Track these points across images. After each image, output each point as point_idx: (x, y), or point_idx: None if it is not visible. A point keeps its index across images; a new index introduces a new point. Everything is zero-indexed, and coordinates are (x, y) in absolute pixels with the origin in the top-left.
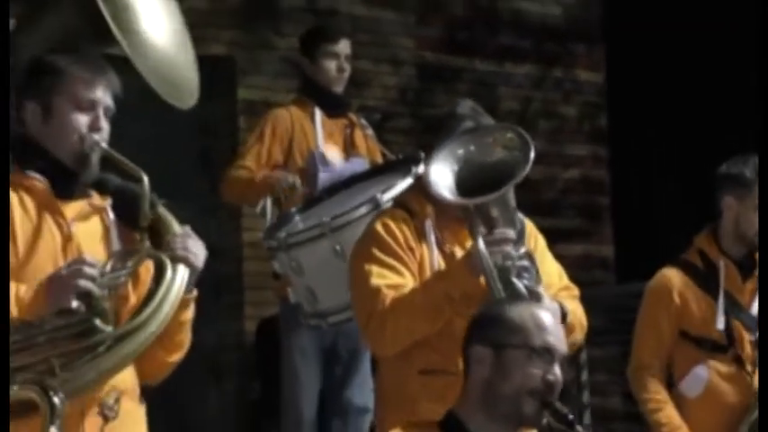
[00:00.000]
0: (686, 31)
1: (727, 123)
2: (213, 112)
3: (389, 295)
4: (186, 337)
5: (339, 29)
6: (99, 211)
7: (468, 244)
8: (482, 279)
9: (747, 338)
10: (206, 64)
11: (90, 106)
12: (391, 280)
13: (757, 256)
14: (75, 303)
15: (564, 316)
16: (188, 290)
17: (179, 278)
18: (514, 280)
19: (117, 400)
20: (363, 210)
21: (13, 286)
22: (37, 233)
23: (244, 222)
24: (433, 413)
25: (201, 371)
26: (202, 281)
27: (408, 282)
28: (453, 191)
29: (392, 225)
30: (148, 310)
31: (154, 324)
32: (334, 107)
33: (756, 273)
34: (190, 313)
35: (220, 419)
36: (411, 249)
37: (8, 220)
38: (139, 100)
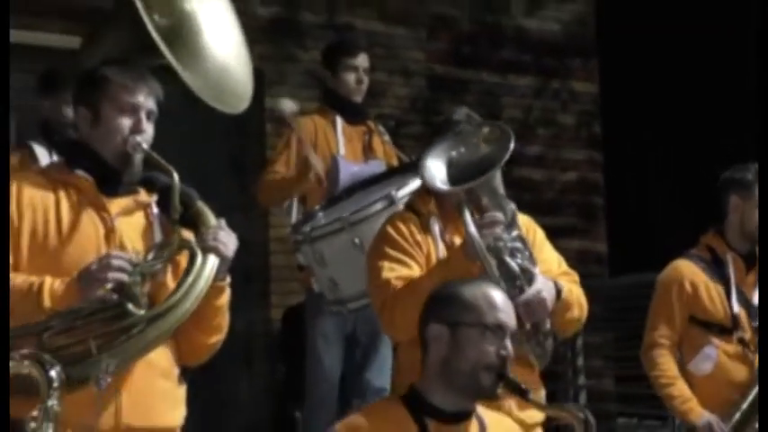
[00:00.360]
0: (674, 46)
1: (711, 131)
2: (243, 119)
3: (398, 285)
4: (224, 321)
5: (358, 44)
6: (143, 206)
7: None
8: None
9: (750, 324)
10: None
11: (132, 110)
12: (400, 272)
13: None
14: (102, 293)
15: (558, 293)
16: (220, 277)
17: (209, 266)
18: (507, 259)
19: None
20: (379, 206)
21: (48, 279)
22: (81, 226)
23: (271, 219)
24: None
25: (233, 355)
26: (233, 272)
27: (416, 273)
28: (446, 183)
29: (400, 224)
30: (178, 295)
31: (183, 307)
32: (353, 115)
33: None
34: (225, 298)
35: (250, 399)
36: (418, 244)
37: (8, 220)
38: (180, 107)
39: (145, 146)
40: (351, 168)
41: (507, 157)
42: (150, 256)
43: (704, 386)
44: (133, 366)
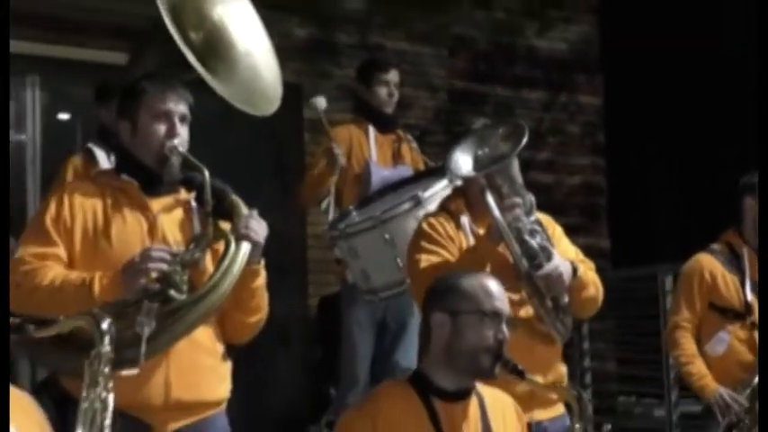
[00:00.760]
0: (671, 63)
1: (703, 141)
2: (284, 128)
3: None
4: (262, 301)
5: (389, 61)
6: (183, 203)
7: None
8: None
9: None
10: None
11: (165, 116)
12: (435, 261)
13: None
14: (145, 282)
15: (574, 271)
16: (255, 261)
17: (242, 252)
18: (527, 238)
19: None
20: (407, 206)
21: (98, 274)
22: (127, 224)
23: (308, 218)
24: None
25: (273, 339)
26: (274, 265)
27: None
28: (470, 171)
29: (435, 222)
30: (214, 280)
31: (219, 291)
32: (384, 125)
33: None
34: (260, 280)
35: (288, 378)
36: (451, 238)
37: (8, 219)
38: (226, 118)
39: (180, 149)
40: (382, 172)
41: (523, 144)
42: (191, 247)
43: (718, 366)
44: (180, 346)
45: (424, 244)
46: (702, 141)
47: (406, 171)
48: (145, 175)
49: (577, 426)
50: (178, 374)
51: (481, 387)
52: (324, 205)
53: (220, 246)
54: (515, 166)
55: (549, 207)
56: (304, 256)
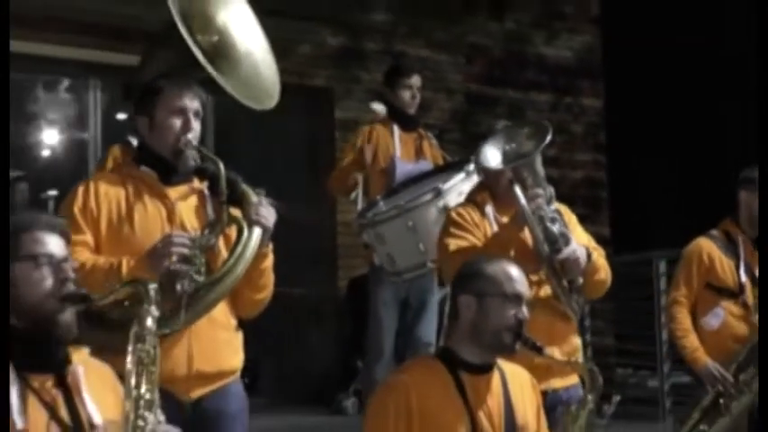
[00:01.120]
0: (665, 70)
1: (693, 139)
2: (317, 128)
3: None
4: (269, 281)
5: (412, 67)
6: (197, 191)
7: None
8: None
9: (753, 291)
10: (312, 93)
11: (180, 112)
12: (463, 244)
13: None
14: (177, 266)
15: (588, 257)
16: (265, 244)
17: (254, 237)
18: (548, 224)
19: None
20: (428, 196)
21: (125, 258)
22: (147, 212)
23: (338, 207)
24: None
25: (307, 317)
26: (307, 250)
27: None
28: (499, 164)
29: (462, 211)
30: (230, 262)
31: (235, 272)
32: (408, 124)
33: None
34: (268, 262)
35: (321, 351)
36: (477, 225)
37: (8, 218)
38: (266, 121)
39: (195, 142)
40: (405, 167)
41: (546, 142)
42: (206, 232)
43: (712, 339)
44: (199, 322)
45: (453, 230)
46: (694, 142)
47: (427, 165)
48: (162, 166)
49: (590, 396)
50: (199, 348)
51: (501, 362)
52: (353, 196)
53: (231, 231)
54: (539, 161)
55: (555, 199)
56: (334, 243)
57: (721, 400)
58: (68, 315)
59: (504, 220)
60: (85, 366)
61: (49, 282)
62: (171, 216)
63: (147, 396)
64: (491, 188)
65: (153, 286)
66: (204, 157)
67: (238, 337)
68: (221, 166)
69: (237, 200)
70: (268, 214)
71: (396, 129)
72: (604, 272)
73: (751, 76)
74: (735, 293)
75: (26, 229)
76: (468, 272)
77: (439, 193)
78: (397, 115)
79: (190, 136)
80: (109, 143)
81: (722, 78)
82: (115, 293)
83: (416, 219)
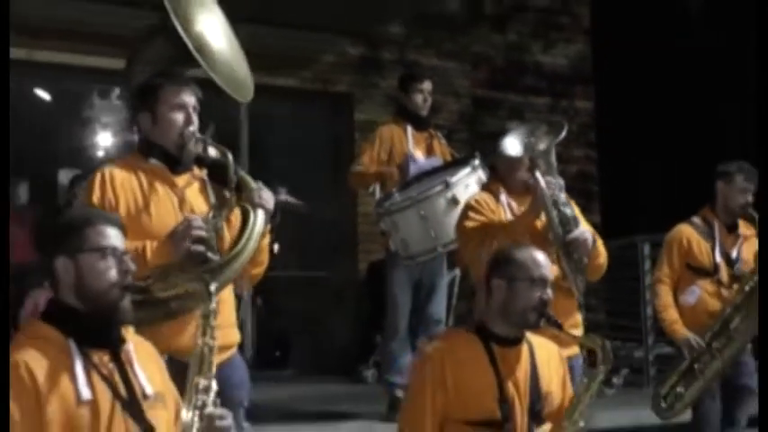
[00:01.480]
0: (649, 76)
1: (672, 140)
2: (339, 129)
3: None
4: (266, 257)
5: (424, 74)
6: (199, 178)
7: (523, 208)
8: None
9: (726, 270)
10: (334, 98)
11: (181, 107)
12: (480, 220)
13: (740, 222)
14: (195, 247)
15: (594, 241)
16: (266, 225)
17: (259, 219)
18: (562, 208)
19: None
20: (438, 188)
21: (148, 242)
22: (161, 199)
23: (359, 200)
24: None
25: (331, 298)
26: (330, 238)
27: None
28: (520, 152)
29: (479, 198)
30: (242, 243)
31: (247, 251)
32: (420, 125)
33: (738, 231)
34: (266, 240)
35: (343, 329)
36: (492, 211)
37: (8, 219)
38: (294, 122)
39: (198, 134)
40: (418, 162)
41: (561, 137)
42: (211, 215)
43: (689, 313)
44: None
45: (471, 214)
46: (675, 140)
47: (437, 161)
48: (168, 158)
49: (601, 367)
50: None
51: (531, 336)
52: (371, 189)
53: (232, 216)
54: (553, 154)
55: None
56: (355, 231)
57: (696, 366)
58: (127, 302)
59: (515, 205)
60: (134, 343)
61: (113, 272)
62: (182, 203)
63: (206, 382)
64: (504, 179)
65: (213, 286)
66: (214, 147)
67: (235, 314)
68: (230, 156)
69: (237, 185)
70: (268, 198)
71: (409, 129)
72: (603, 257)
73: (724, 81)
74: (710, 273)
75: (90, 224)
76: (501, 258)
77: (447, 186)
78: (410, 117)
79: (191, 128)
80: None
81: (700, 83)
82: (177, 288)
83: (427, 208)
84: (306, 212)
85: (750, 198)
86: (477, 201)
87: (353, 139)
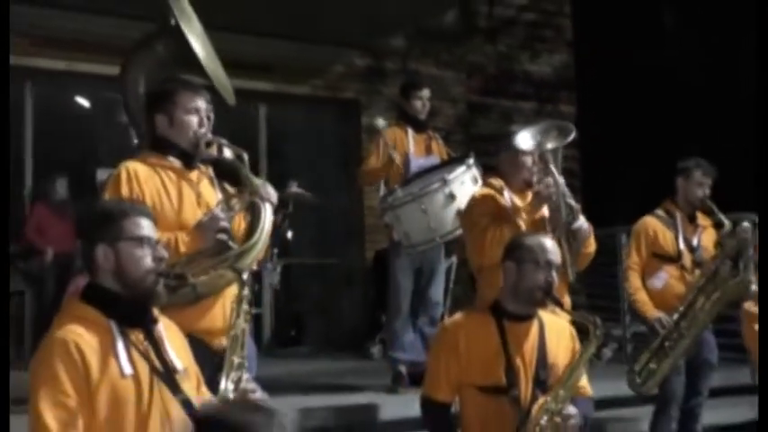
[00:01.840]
0: (629, 82)
1: (648, 140)
2: (347, 132)
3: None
4: (267, 244)
5: (422, 82)
6: (206, 175)
7: (524, 202)
8: (542, 211)
9: (689, 257)
10: (343, 104)
11: (195, 111)
12: (483, 220)
13: (698, 213)
14: (220, 236)
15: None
16: (272, 216)
17: (268, 212)
18: (569, 200)
19: None
20: (436, 185)
21: (179, 233)
22: (181, 194)
23: (365, 196)
24: None
25: (341, 282)
26: (341, 229)
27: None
28: (531, 147)
29: (483, 192)
30: (257, 234)
31: (261, 242)
32: (419, 127)
33: (697, 222)
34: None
35: (352, 310)
36: (496, 204)
37: (8, 220)
38: (307, 126)
39: (210, 135)
40: (418, 162)
41: (569, 139)
42: (227, 209)
43: (657, 297)
44: None
45: (477, 209)
46: (648, 140)
47: (435, 160)
48: (183, 156)
49: (593, 340)
50: (228, 306)
51: (543, 314)
52: (376, 186)
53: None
54: (560, 154)
55: None
56: (362, 223)
57: (666, 344)
58: (161, 287)
59: (516, 201)
60: (162, 323)
61: (149, 260)
62: (199, 197)
63: (239, 360)
64: (507, 177)
65: (246, 275)
66: (230, 148)
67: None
68: (245, 156)
69: (241, 182)
70: (272, 192)
71: (410, 131)
72: (593, 247)
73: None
74: (675, 259)
75: (127, 216)
76: (513, 244)
77: (445, 182)
78: (410, 120)
79: (203, 130)
80: None
81: (672, 90)
82: (210, 275)
83: (427, 203)
84: (315, 203)
85: (707, 191)
86: (480, 194)
87: (360, 140)
